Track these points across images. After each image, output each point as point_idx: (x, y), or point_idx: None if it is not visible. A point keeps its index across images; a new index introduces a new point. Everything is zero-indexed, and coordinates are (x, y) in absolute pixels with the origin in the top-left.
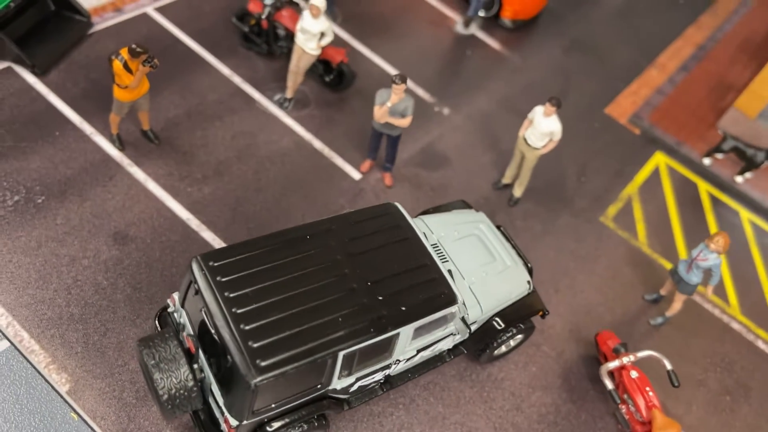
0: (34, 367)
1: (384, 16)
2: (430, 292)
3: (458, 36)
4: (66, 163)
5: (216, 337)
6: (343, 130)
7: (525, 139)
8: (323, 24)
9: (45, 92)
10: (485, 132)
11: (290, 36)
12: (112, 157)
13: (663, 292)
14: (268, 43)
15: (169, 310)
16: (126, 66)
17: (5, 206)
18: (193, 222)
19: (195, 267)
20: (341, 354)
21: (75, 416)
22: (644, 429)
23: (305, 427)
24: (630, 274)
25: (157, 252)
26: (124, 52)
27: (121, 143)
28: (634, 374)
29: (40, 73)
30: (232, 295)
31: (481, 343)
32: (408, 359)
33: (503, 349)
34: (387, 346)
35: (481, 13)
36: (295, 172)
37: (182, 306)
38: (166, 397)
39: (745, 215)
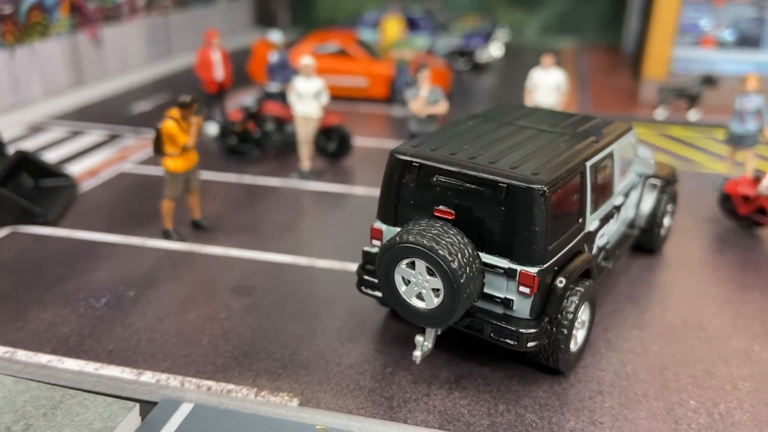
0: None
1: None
2: (606, 125)
3: (394, 118)
4: (137, 265)
5: (475, 185)
6: (379, 170)
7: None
8: (317, 82)
9: (68, 233)
10: None
11: (279, 126)
12: (179, 250)
13: (728, 169)
14: (259, 143)
15: (374, 251)
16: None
17: (95, 309)
18: (302, 260)
19: (402, 157)
20: (588, 166)
21: (321, 427)
22: None
23: (581, 287)
24: None
25: (288, 287)
26: (172, 113)
27: (179, 235)
28: None
29: (52, 222)
30: (454, 149)
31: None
32: (618, 213)
33: (667, 223)
34: (610, 180)
35: None
36: (366, 205)
37: (394, 221)
38: (456, 264)
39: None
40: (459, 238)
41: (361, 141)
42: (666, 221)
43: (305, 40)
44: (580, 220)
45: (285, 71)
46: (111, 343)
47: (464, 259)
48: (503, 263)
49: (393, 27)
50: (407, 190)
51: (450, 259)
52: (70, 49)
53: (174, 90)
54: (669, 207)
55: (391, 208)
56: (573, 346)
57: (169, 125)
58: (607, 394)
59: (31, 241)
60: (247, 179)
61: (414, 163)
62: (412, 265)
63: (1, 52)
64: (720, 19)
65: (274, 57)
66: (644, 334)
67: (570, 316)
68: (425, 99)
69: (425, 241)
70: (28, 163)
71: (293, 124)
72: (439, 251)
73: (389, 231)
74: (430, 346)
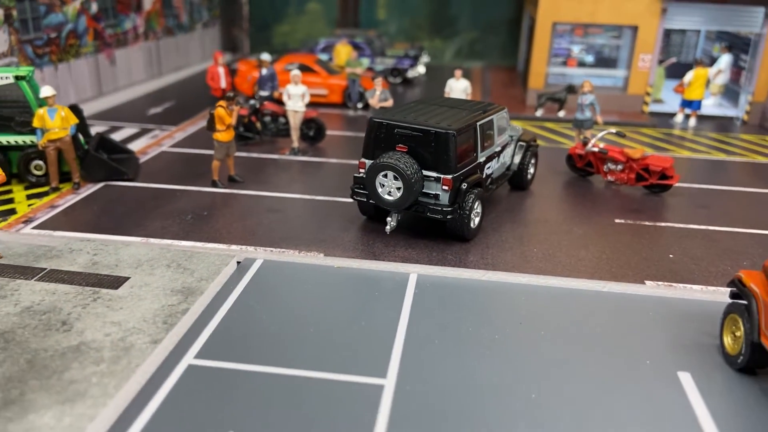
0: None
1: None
2: (489, 106)
3: (347, 117)
4: (201, 200)
5: (418, 132)
6: (343, 149)
7: None
8: (302, 87)
9: (146, 185)
10: None
11: (274, 119)
12: (224, 192)
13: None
14: (259, 132)
15: (359, 175)
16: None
17: (186, 221)
18: (306, 197)
19: (377, 120)
20: (478, 125)
21: (338, 266)
22: (628, 172)
23: (475, 191)
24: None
25: (302, 209)
26: (220, 104)
27: (223, 184)
28: (601, 145)
29: (133, 179)
30: (405, 115)
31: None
32: (498, 158)
33: (532, 171)
34: (492, 136)
35: (359, 105)
36: (340, 170)
37: (372, 156)
38: (409, 172)
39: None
40: (410, 160)
41: (327, 132)
42: (531, 169)
43: (279, 60)
44: (475, 154)
45: (273, 81)
46: (205, 234)
47: (413, 170)
48: (434, 174)
49: (344, 51)
50: (379, 138)
51: (406, 169)
52: (94, 67)
53: (175, 98)
54: (532, 160)
55: (370, 149)
56: (473, 225)
57: (219, 110)
58: (491, 248)
59: (123, 190)
60: (254, 155)
61: (383, 123)
62: (385, 176)
63: (48, 67)
64: (582, 45)
65: (263, 71)
66: (514, 225)
67: (470, 205)
68: (378, 97)
69: (393, 161)
70: (104, 141)
71: (284, 118)
72: (401, 165)
73: (369, 162)
74: (394, 223)
